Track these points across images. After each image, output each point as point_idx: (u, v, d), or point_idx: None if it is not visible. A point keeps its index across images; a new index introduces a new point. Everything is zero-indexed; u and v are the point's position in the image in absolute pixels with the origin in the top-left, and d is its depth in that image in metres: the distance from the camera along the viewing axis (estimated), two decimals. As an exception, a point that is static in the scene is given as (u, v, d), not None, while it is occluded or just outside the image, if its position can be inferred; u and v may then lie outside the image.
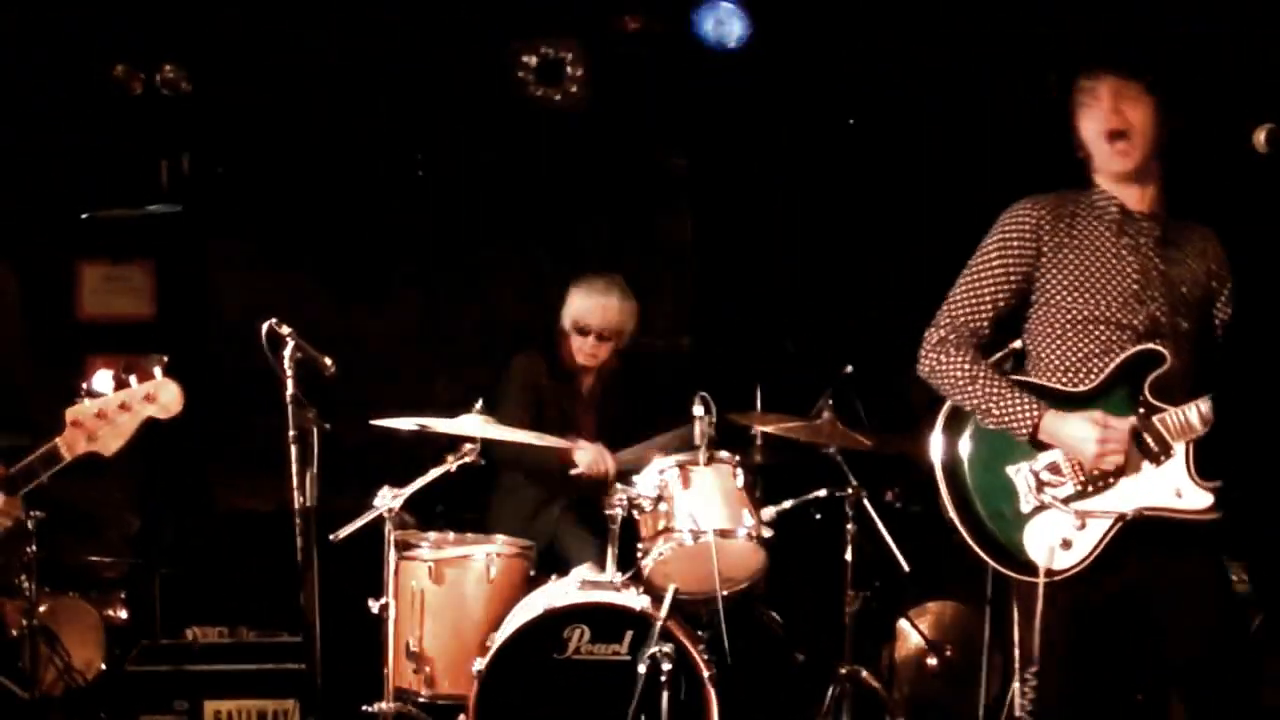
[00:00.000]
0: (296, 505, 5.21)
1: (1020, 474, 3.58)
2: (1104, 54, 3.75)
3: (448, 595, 5.09)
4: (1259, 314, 3.75)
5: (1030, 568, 3.50)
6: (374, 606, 5.05)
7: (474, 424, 5.18)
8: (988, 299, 3.68)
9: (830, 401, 5.35)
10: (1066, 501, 3.53)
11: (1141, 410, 3.54)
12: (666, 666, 4.65)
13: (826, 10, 6.25)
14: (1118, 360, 3.58)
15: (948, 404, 3.69)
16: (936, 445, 3.68)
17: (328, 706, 4.98)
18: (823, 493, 5.42)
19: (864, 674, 5.31)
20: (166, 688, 5.58)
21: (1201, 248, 3.76)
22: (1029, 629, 3.52)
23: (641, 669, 4.66)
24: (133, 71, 6.30)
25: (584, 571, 5.18)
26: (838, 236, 6.68)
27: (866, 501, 5.32)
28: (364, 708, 5.00)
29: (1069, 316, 3.63)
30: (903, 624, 5.75)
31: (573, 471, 5.52)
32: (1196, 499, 3.52)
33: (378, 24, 6.38)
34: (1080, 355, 3.62)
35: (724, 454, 5.23)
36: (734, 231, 6.94)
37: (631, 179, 7.02)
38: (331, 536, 5.10)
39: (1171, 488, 3.53)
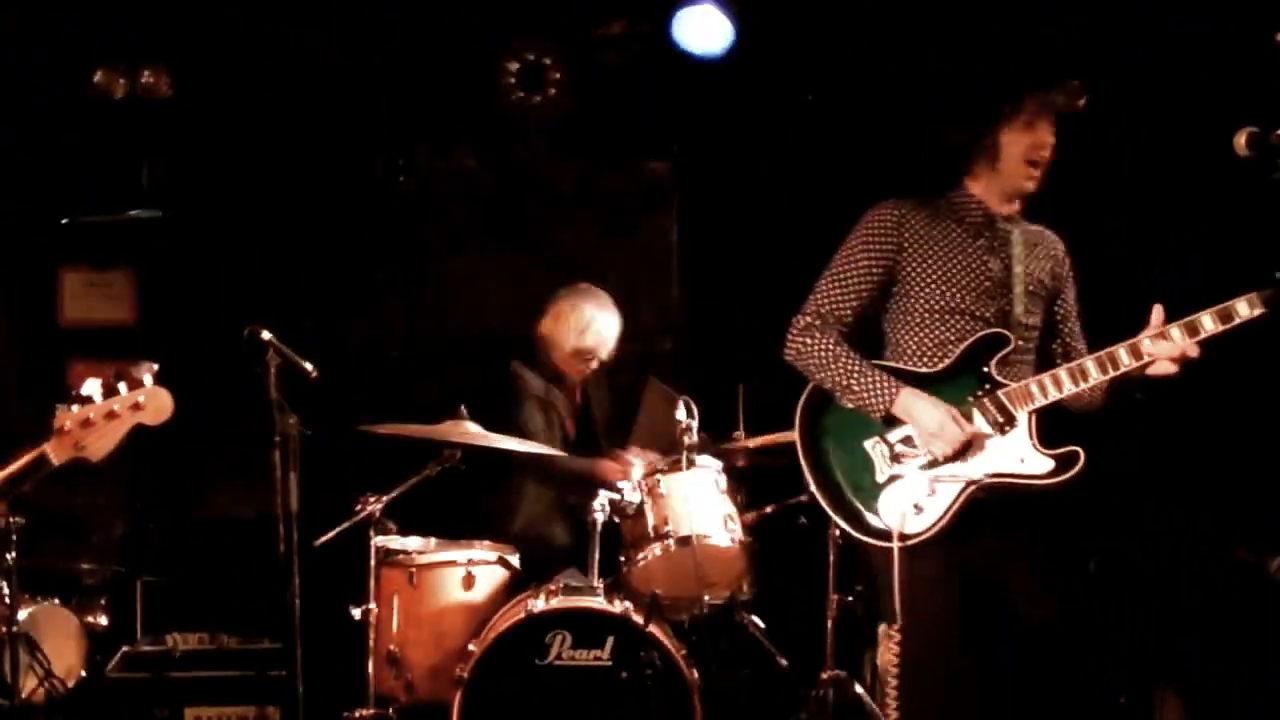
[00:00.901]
0: (278, 511, 5.23)
1: (876, 446, 3.85)
2: (1054, 77, 3.94)
3: (429, 601, 5.11)
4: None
5: (884, 534, 3.77)
6: (355, 613, 5.06)
7: (455, 430, 5.20)
8: (851, 290, 3.91)
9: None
10: (919, 470, 3.79)
11: (986, 385, 3.79)
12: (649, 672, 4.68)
13: (812, 12, 6.25)
14: (966, 344, 3.84)
15: (809, 386, 3.93)
16: (799, 425, 3.94)
17: (309, 713, 4.99)
18: (805, 497, 5.42)
19: (847, 679, 5.32)
20: (148, 694, 5.57)
21: (1050, 250, 4.02)
22: (888, 593, 3.76)
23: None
24: (113, 76, 6.30)
25: (566, 577, 5.19)
26: (823, 239, 6.67)
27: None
28: (345, 714, 5.01)
29: (927, 307, 3.88)
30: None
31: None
32: (1038, 464, 3.74)
33: (360, 29, 6.39)
34: (936, 342, 3.88)
35: (706, 459, 5.25)
36: (718, 234, 6.94)
37: (616, 182, 7.02)
38: (314, 543, 5.13)
39: (1015, 455, 3.76)
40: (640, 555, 5.08)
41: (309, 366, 5.29)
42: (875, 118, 6.40)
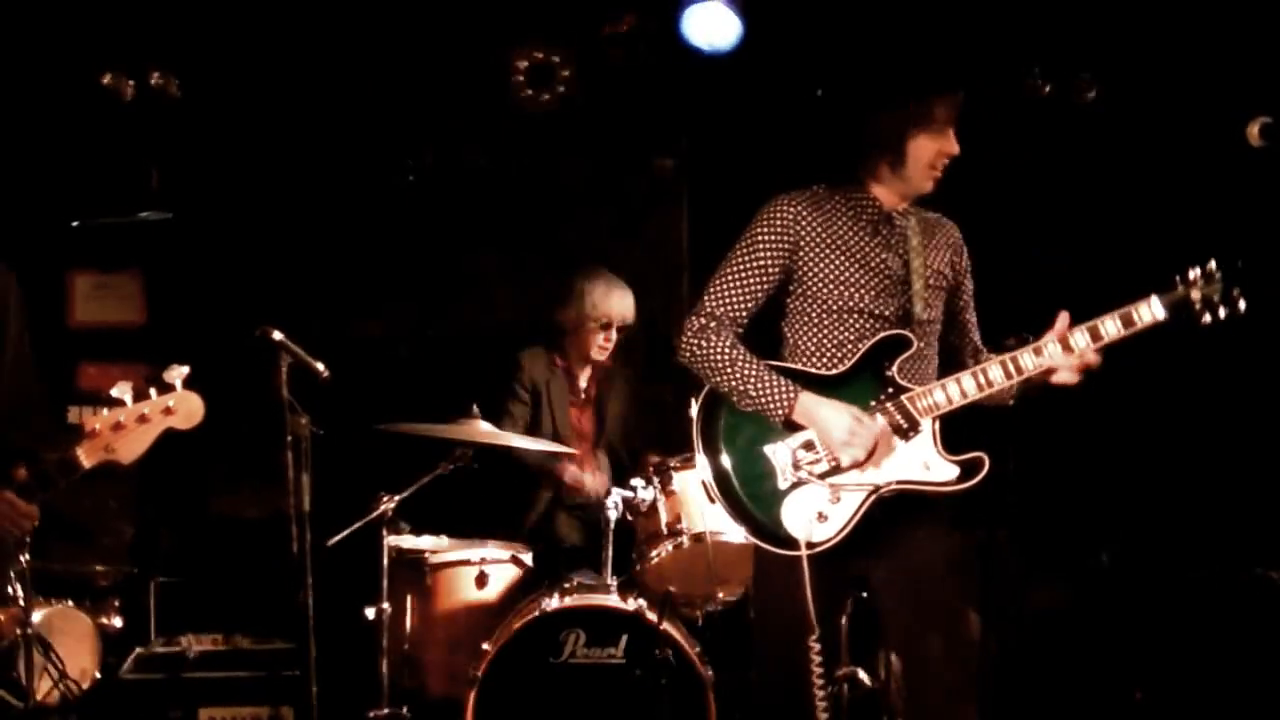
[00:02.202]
0: (290, 511, 5.25)
1: (776, 453, 3.75)
2: (957, 76, 3.83)
3: (443, 600, 5.14)
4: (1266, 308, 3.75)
5: (790, 542, 3.68)
6: (369, 612, 5.08)
7: (467, 428, 5.21)
8: (746, 290, 3.82)
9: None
10: (822, 477, 3.71)
11: (889, 390, 3.73)
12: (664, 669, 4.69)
13: (820, 7, 6.26)
14: (867, 345, 3.77)
15: (705, 390, 3.84)
16: (696, 431, 3.84)
17: (324, 713, 5.00)
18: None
19: (860, 675, 5.33)
20: (162, 696, 5.59)
21: (946, 239, 3.97)
22: (785, 601, 3.68)
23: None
24: (122, 78, 6.31)
25: (579, 575, 5.21)
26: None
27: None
28: (365, 714, 5.02)
29: (825, 306, 3.81)
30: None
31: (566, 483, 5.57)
32: (943, 471, 3.70)
33: (368, 28, 6.40)
34: (835, 342, 3.81)
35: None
36: (728, 230, 6.92)
37: (625, 179, 7.03)
38: (326, 542, 5.15)
39: (920, 461, 3.71)
40: (653, 552, 5.09)
41: (320, 366, 5.30)
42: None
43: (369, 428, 5.24)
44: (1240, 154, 3.67)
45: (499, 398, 5.70)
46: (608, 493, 5.21)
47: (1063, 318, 3.66)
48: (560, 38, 6.57)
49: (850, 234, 3.82)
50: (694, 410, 3.86)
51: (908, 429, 3.71)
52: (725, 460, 3.80)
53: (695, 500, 5.06)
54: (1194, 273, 3.62)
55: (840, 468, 3.71)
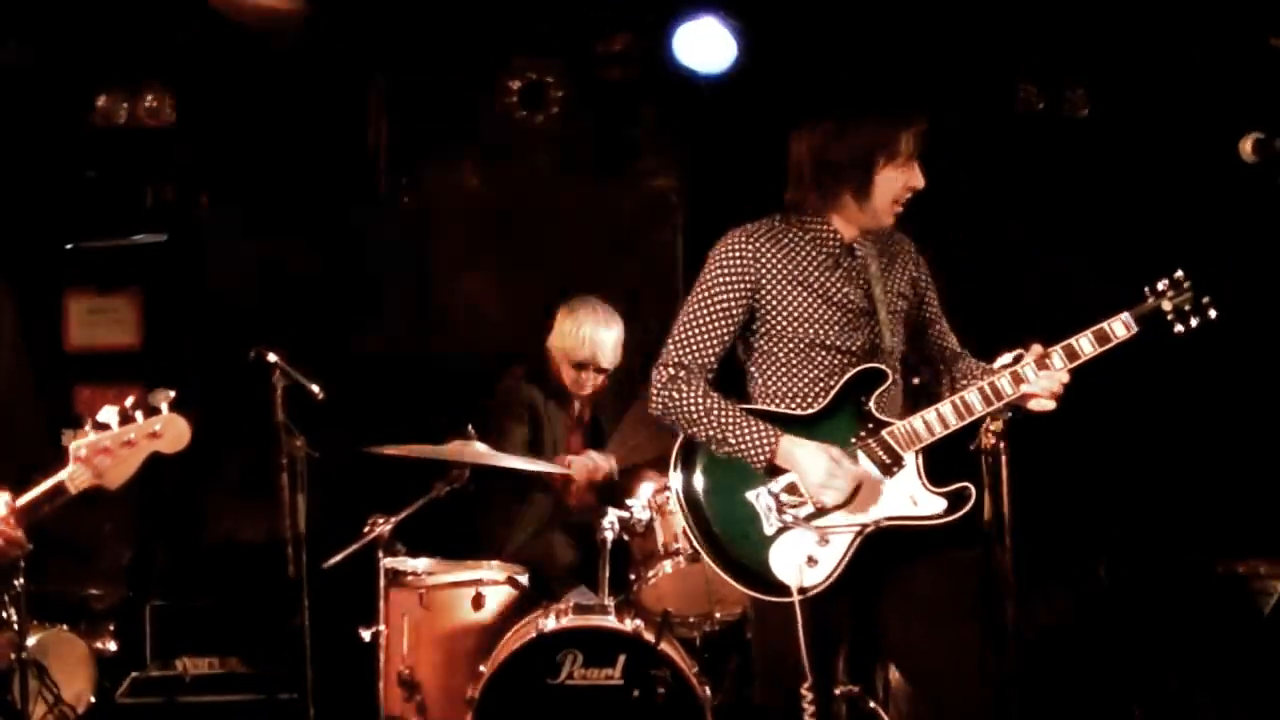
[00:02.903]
0: (286, 533, 5.25)
1: (760, 498, 3.66)
2: (923, 106, 3.76)
3: (439, 622, 5.12)
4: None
5: (781, 588, 3.59)
6: (365, 634, 5.07)
7: (464, 449, 5.21)
8: (711, 335, 3.72)
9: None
10: (808, 520, 3.63)
11: (870, 425, 3.67)
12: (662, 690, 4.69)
13: (814, 26, 6.28)
14: (841, 382, 3.69)
15: (680, 439, 3.74)
16: (675, 481, 3.74)
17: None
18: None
19: (861, 695, 5.32)
20: (158, 719, 5.58)
21: (905, 256, 3.91)
22: (781, 646, 3.60)
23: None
24: (116, 100, 6.33)
25: (576, 596, 5.20)
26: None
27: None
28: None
29: (792, 345, 3.72)
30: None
31: (571, 493, 5.56)
32: (931, 505, 3.64)
33: (363, 48, 6.42)
34: (806, 380, 3.72)
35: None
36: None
37: (619, 199, 7.04)
38: (323, 565, 5.15)
39: (906, 496, 3.65)
40: (650, 573, 5.09)
41: (315, 388, 5.32)
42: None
43: (364, 449, 5.23)
44: (1233, 169, 3.68)
45: (496, 418, 5.69)
46: (603, 513, 5.19)
47: (1035, 347, 3.66)
48: (553, 57, 6.60)
49: (811, 268, 3.73)
50: (671, 462, 3.75)
51: (891, 464, 3.65)
52: (707, 510, 3.70)
53: (692, 520, 5.05)
54: (1163, 284, 3.66)
55: (825, 510, 3.63)
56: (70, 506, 3.53)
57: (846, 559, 3.61)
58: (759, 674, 3.92)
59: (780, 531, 3.63)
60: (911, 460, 3.66)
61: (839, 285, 3.73)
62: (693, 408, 3.66)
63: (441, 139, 6.86)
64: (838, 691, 5.17)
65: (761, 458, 3.61)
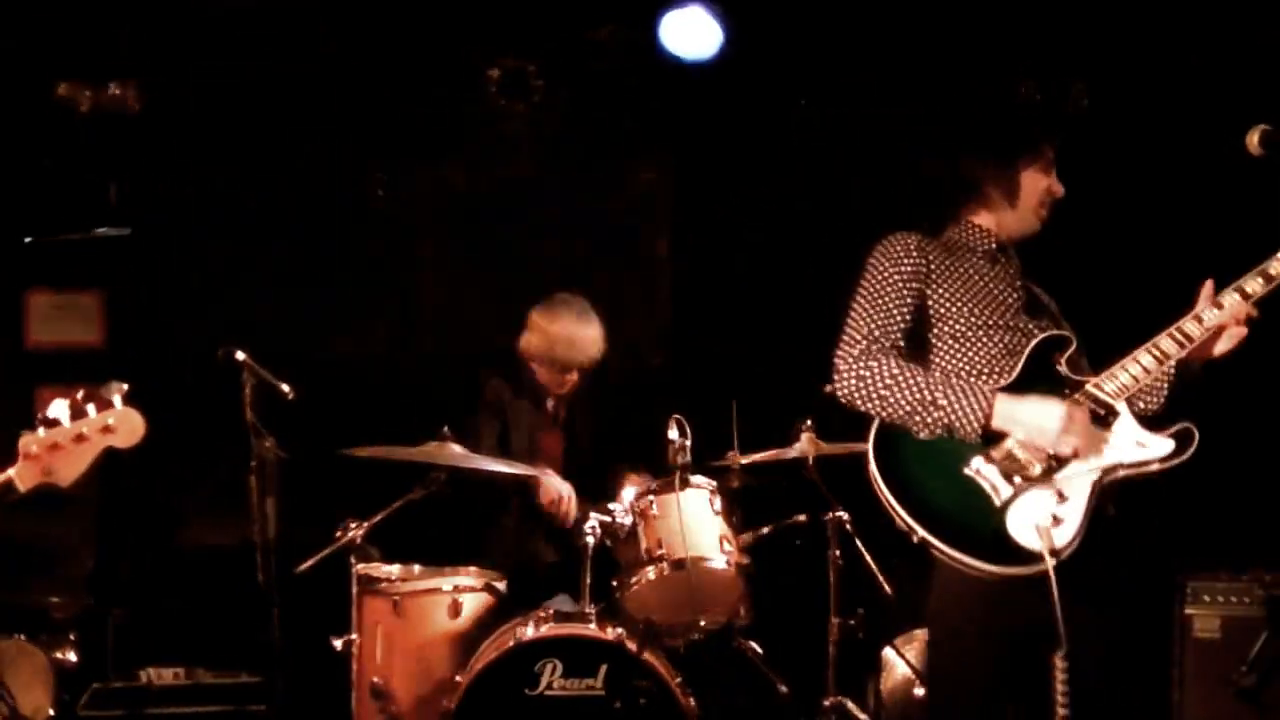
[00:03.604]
0: (256, 539, 5.24)
1: (981, 469, 3.57)
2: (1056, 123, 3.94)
3: (414, 630, 5.11)
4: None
5: (1030, 557, 3.47)
6: (337, 643, 5.06)
7: (440, 451, 5.21)
8: (895, 313, 3.73)
9: (809, 422, 5.38)
10: (1043, 478, 3.55)
11: (1067, 388, 3.66)
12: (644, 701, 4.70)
13: (804, 13, 6.29)
14: (1026, 351, 3.70)
15: (874, 430, 3.64)
16: (879, 473, 3.58)
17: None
18: (804, 517, 5.46)
19: (849, 706, 5.34)
20: (121, 733, 5.58)
21: (1039, 290, 4.00)
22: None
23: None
24: (79, 88, 6.31)
25: (556, 603, 5.20)
26: (820, 250, 6.71)
27: (849, 525, 5.34)
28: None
29: (966, 324, 3.76)
30: (888, 653, 5.74)
31: (544, 501, 5.56)
32: (1159, 446, 3.61)
33: (338, 37, 6.41)
34: (987, 358, 3.73)
35: (700, 479, 5.27)
36: (711, 245, 6.97)
37: (604, 193, 7.05)
38: (293, 571, 5.15)
39: (1132, 441, 3.62)
40: (633, 579, 5.10)
41: (286, 387, 5.31)
42: (872, 123, 6.44)
43: (337, 451, 5.23)
44: (1239, 162, 3.69)
45: (469, 420, 5.70)
46: (584, 518, 5.20)
47: (1208, 284, 3.69)
48: (536, 46, 6.60)
49: (972, 264, 3.85)
50: (870, 463, 3.60)
51: (1105, 415, 3.63)
52: (930, 499, 3.55)
53: (676, 525, 5.06)
54: None
55: (1056, 465, 3.55)
56: (29, 510, 3.51)
57: (1089, 511, 3.53)
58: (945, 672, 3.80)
59: (1013, 498, 3.53)
60: (1124, 409, 3.65)
61: (999, 280, 3.85)
62: (894, 374, 3.61)
63: (420, 131, 6.86)
64: (826, 702, 5.25)
65: (979, 418, 3.54)
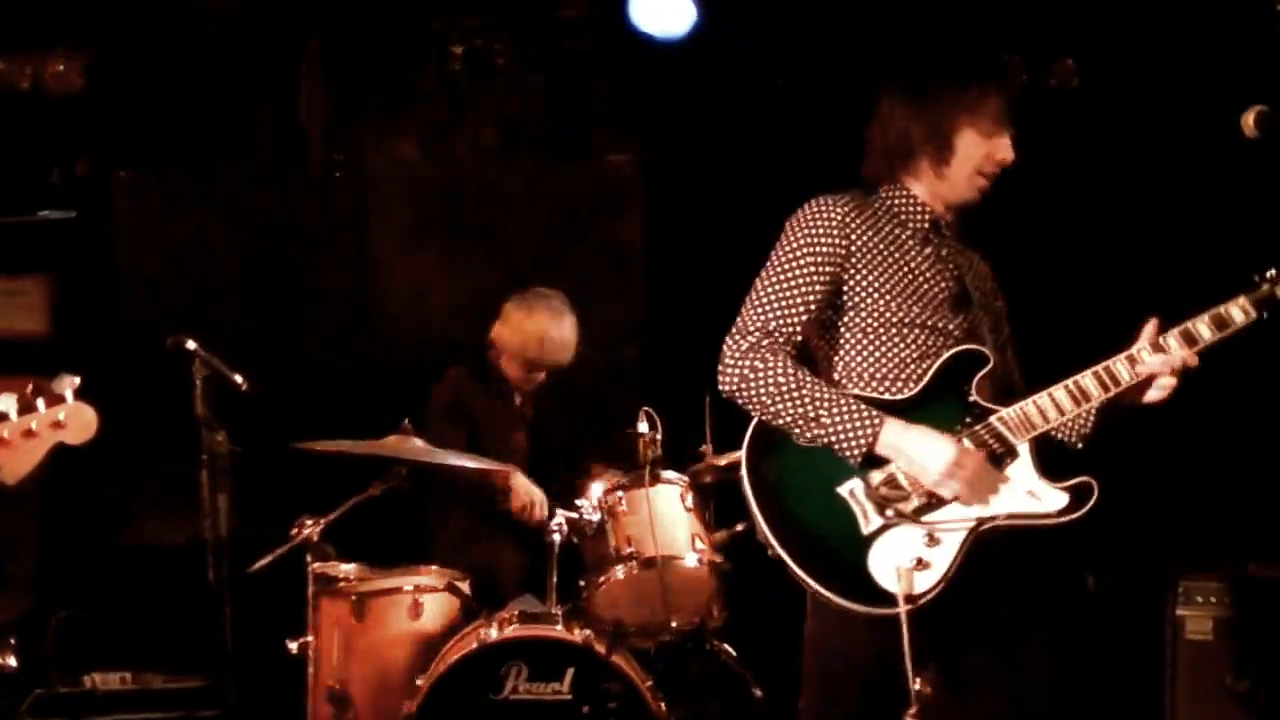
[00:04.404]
0: (207, 536, 5.23)
1: (855, 494, 3.43)
2: (1015, 64, 3.73)
3: (373, 632, 5.09)
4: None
5: (885, 597, 3.35)
6: (292, 646, 5.05)
7: (402, 446, 5.20)
8: (799, 301, 3.51)
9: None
10: (915, 515, 3.42)
11: (975, 412, 3.52)
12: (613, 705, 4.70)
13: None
14: (938, 363, 3.53)
15: (753, 426, 3.49)
16: (748, 474, 3.47)
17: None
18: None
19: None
20: (65, 741, 5.56)
21: (982, 270, 3.79)
22: (847, 664, 3.52)
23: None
24: (19, 65, 6.28)
25: (521, 603, 5.20)
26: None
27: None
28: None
29: (880, 321, 3.56)
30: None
31: (505, 505, 5.56)
32: (1052, 500, 3.47)
33: (296, 8, 6.39)
34: (896, 361, 3.56)
35: (671, 474, 5.27)
36: (686, 233, 6.97)
37: (574, 178, 7.04)
38: (247, 570, 5.13)
39: (1024, 490, 3.48)
40: (602, 579, 5.11)
41: (238, 378, 5.30)
42: (853, 103, 6.43)
43: (292, 445, 5.21)
44: (1235, 145, 3.68)
45: (432, 417, 5.69)
46: (551, 515, 5.20)
47: (1151, 324, 3.55)
48: (503, 24, 6.59)
49: (900, 242, 3.60)
50: (741, 463, 3.48)
51: (1003, 454, 3.48)
52: (791, 508, 3.43)
53: (646, 522, 5.07)
54: (1272, 271, 3.56)
55: (936, 503, 3.41)
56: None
57: (959, 561, 3.40)
58: (814, 704, 3.73)
59: (881, 530, 3.40)
60: (1025, 450, 3.50)
61: (930, 263, 3.61)
62: (779, 381, 3.41)
63: (380, 110, 6.85)
64: (802, 705, 5.25)
65: (861, 444, 3.38)
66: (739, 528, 5.53)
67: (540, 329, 5.72)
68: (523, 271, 6.39)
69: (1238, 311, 3.56)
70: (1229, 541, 5.73)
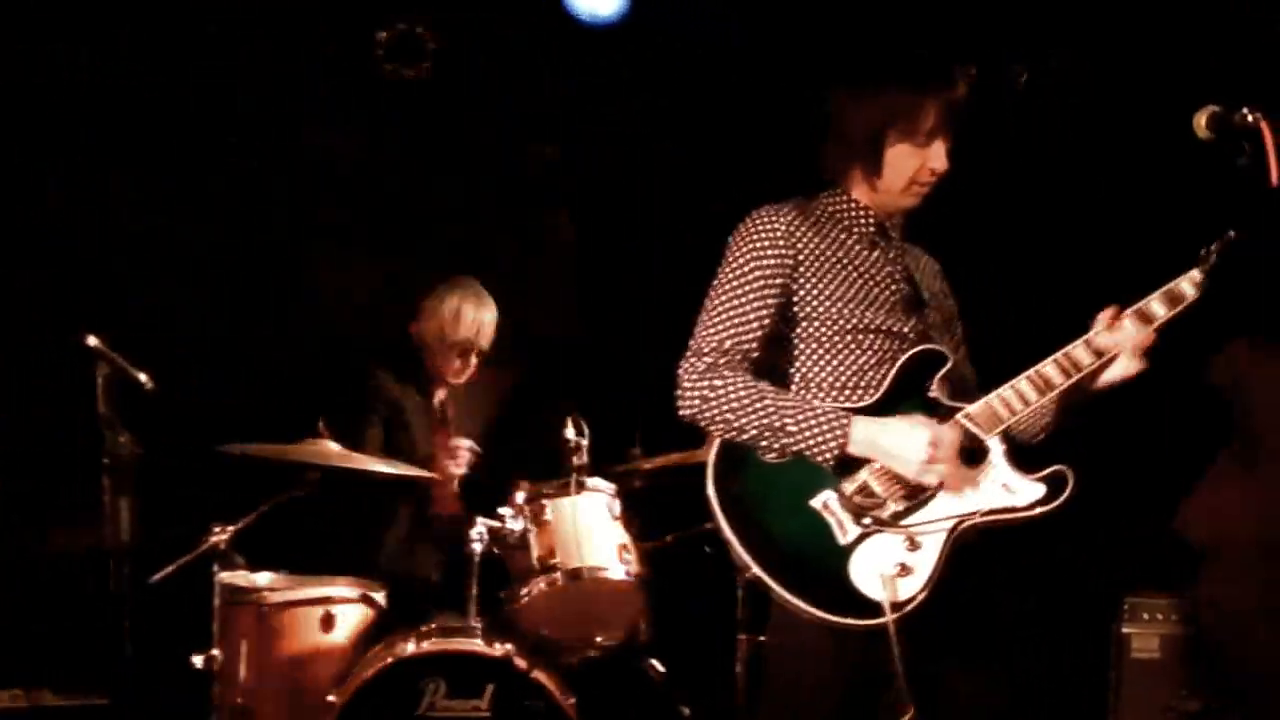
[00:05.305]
0: (108, 544, 5.19)
1: (829, 504, 3.51)
2: (955, 70, 3.69)
3: (283, 646, 5.09)
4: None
5: (870, 607, 3.42)
6: (197, 660, 5.02)
7: (317, 449, 5.18)
8: (752, 317, 3.59)
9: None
10: (893, 520, 3.50)
11: (941, 412, 3.59)
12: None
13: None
14: (897, 366, 3.61)
15: (716, 448, 3.56)
16: (716, 497, 3.51)
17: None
18: (711, 525, 5.47)
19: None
20: (-54, 767, 5.50)
21: (931, 268, 3.90)
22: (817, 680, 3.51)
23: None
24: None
25: (440, 616, 5.20)
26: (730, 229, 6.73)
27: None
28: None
29: (834, 329, 3.63)
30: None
31: (440, 488, 5.55)
32: (1028, 492, 3.55)
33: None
34: (854, 369, 3.63)
35: (598, 481, 5.28)
36: (617, 227, 6.98)
37: (502, 168, 7.03)
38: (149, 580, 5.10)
39: (999, 484, 3.56)
40: (524, 591, 5.10)
41: (144, 377, 5.26)
42: (793, 94, 6.46)
43: (201, 448, 5.18)
44: (1187, 146, 3.71)
45: (352, 418, 5.68)
46: (470, 523, 5.19)
47: (1109, 309, 3.64)
48: (429, 7, 6.57)
49: (847, 248, 3.68)
50: (708, 479, 3.53)
51: (974, 451, 3.56)
52: (766, 529, 3.48)
53: (571, 532, 5.08)
54: (1216, 243, 3.65)
55: (912, 507, 3.50)
56: None
57: (942, 563, 3.47)
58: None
59: (860, 539, 3.47)
60: (996, 445, 3.58)
61: (879, 267, 3.69)
62: (740, 396, 3.50)
63: (300, 95, 6.81)
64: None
65: (832, 446, 3.46)
66: (669, 538, 5.56)
67: (454, 306, 5.83)
68: (446, 266, 6.37)
69: (1188, 285, 3.66)
70: (1180, 559, 5.80)
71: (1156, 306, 3.65)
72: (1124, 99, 6.20)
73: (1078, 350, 3.63)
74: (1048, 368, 3.62)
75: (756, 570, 3.45)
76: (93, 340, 5.13)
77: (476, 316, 5.82)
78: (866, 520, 3.48)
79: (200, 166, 6.66)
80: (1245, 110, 3.48)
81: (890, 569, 3.44)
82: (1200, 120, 3.54)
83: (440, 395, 5.91)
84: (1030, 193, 6.35)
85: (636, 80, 6.64)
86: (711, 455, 3.56)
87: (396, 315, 6.04)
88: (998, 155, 6.46)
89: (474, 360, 5.86)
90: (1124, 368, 3.65)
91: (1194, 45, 5.89)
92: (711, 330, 3.60)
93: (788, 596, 3.44)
